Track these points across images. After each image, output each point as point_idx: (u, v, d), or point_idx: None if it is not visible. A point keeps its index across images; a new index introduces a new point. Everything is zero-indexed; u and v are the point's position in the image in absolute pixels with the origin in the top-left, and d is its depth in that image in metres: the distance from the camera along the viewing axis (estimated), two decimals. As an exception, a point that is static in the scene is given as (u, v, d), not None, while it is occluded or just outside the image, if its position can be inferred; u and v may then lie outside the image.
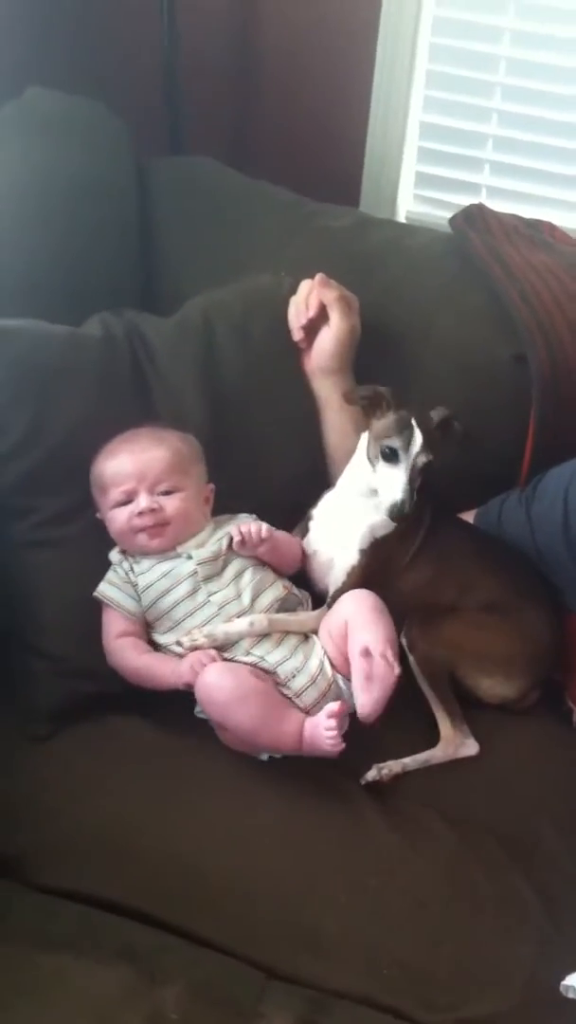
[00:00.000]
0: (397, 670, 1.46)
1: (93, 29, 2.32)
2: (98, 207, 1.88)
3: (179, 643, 1.56)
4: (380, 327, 1.82)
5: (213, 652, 1.52)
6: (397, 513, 1.56)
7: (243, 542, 1.62)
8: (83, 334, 1.70)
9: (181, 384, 1.74)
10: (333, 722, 1.43)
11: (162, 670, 1.55)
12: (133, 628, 1.60)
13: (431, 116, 2.36)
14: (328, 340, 1.76)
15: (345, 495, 1.70)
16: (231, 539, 1.63)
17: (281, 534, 1.69)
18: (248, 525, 1.64)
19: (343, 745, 1.44)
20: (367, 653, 1.46)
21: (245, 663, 1.53)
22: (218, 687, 1.46)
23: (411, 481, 1.56)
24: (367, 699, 1.46)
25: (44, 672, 1.59)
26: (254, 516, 1.70)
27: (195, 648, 1.53)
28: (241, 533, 1.62)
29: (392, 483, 1.57)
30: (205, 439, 1.70)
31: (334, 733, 1.43)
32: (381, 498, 1.59)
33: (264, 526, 1.64)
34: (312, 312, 1.75)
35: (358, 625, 1.54)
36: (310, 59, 2.34)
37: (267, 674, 1.53)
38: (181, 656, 1.55)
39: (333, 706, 1.44)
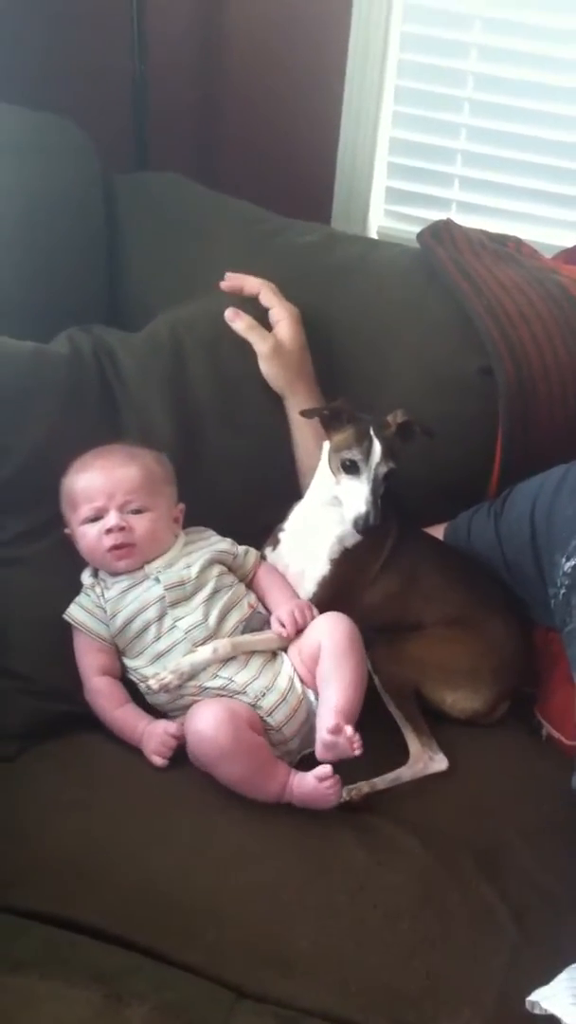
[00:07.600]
0: (358, 751, 1.45)
1: (60, 45, 2.32)
2: (65, 223, 1.88)
3: (148, 687, 1.54)
4: (347, 341, 1.83)
5: (173, 737, 1.51)
6: (363, 525, 1.57)
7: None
8: (50, 351, 1.70)
9: (149, 401, 1.74)
10: (331, 782, 1.44)
11: (131, 734, 1.55)
12: (106, 658, 1.60)
13: (400, 132, 2.38)
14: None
15: (312, 506, 1.71)
16: (205, 562, 1.62)
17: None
18: (300, 612, 1.62)
19: (340, 798, 1.46)
20: (335, 730, 1.45)
21: (214, 688, 1.53)
22: (212, 741, 1.45)
23: (374, 492, 1.57)
24: (328, 758, 1.47)
25: (11, 691, 1.58)
26: (252, 548, 1.71)
27: (164, 687, 1.52)
28: (287, 623, 1.61)
29: (355, 495, 1.58)
30: (173, 456, 1.70)
31: (334, 789, 1.44)
32: (345, 511, 1.60)
33: (309, 608, 1.64)
34: (248, 290, 1.78)
35: (329, 671, 1.53)
36: (279, 75, 2.35)
37: (237, 695, 1.53)
38: (149, 688, 1.54)
39: (323, 770, 1.44)
